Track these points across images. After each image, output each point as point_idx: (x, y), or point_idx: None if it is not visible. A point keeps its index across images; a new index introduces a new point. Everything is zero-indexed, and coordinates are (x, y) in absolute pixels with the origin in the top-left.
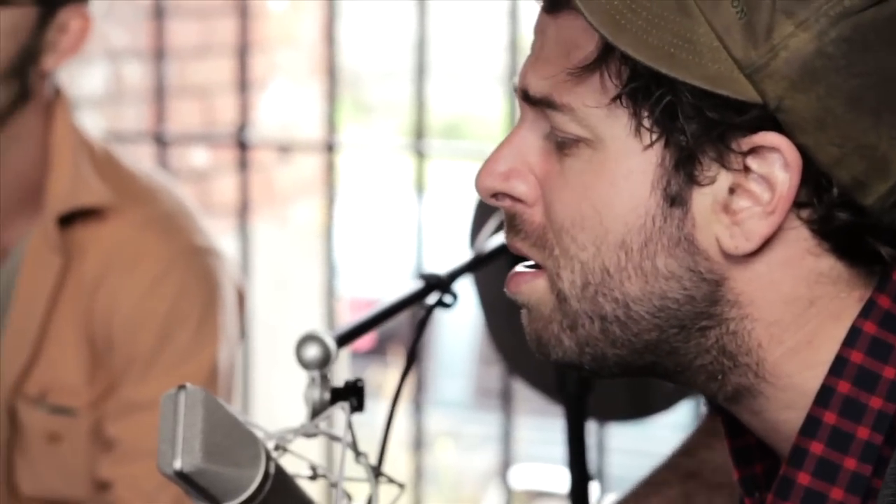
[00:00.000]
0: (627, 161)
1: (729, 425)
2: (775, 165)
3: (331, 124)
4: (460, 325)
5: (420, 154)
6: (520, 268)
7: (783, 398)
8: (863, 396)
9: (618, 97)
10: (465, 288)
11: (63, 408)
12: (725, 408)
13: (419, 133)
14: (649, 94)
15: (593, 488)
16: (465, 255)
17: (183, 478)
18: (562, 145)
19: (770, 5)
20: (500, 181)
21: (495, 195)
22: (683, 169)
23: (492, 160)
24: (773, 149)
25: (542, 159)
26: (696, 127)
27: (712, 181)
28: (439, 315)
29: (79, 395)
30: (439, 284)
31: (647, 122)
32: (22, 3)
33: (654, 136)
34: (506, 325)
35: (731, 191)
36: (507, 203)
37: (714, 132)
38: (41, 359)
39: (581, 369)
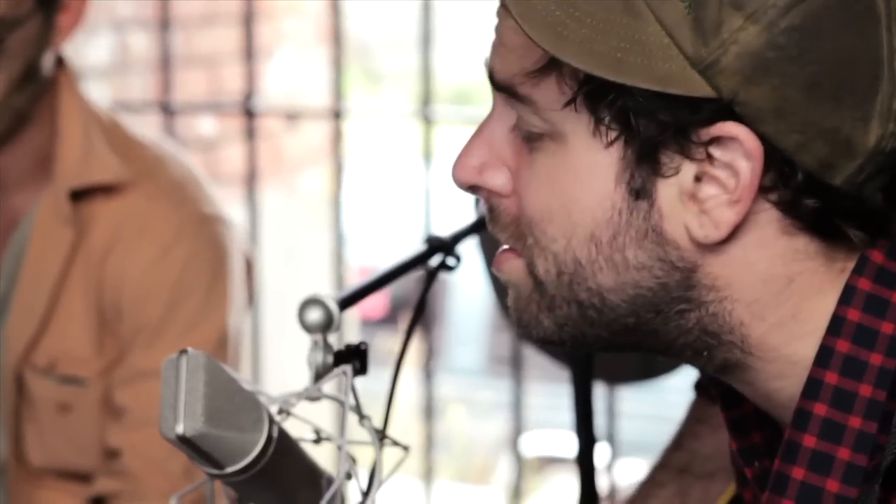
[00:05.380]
0: (590, 157)
1: (724, 397)
2: (737, 154)
3: (338, 92)
4: (472, 291)
5: (428, 120)
6: (504, 247)
7: (772, 369)
8: (863, 354)
9: (573, 100)
10: (474, 253)
11: (72, 378)
12: (716, 377)
13: (427, 100)
14: (604, 96)
15: (601, 451)
16: (470, 219)
17: (185, 442)
18: (529, 137)
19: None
20: (474, 175)
21: (472, 187)
22: (646, 163)
23: (465, 153)
24: (732, 139)
25: (514, 151)
26: (652, 126)
27: (676, 172)
28: (451, 282)
29: (88, 365)
30: (443, 247)
31: (606, 121)
32: (28, 16)
33: (614, 135)
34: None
35: (698, 179)
36: (483, 194)
37: (671, 129)
38: (50, 329)
39: (563, 346)
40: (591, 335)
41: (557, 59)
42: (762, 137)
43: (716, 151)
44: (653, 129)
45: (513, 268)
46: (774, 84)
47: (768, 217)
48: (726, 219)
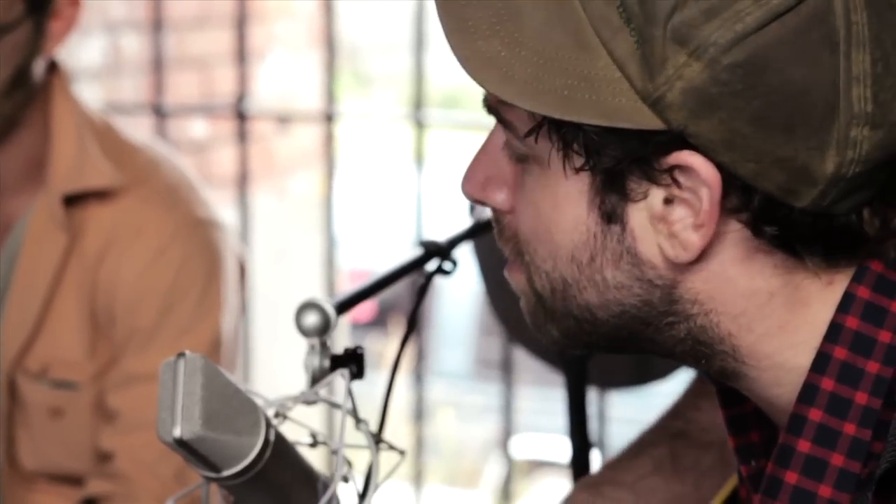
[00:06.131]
0: (564, 182)
1: (723, 395)
2: (697, 181)
3: (330, 95)
4: (461, 295)
5: (419, 124)
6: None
7: (768, 377)
8: (859, 362)
9: (535, 131)
10: (466, 258)
11: (65, 382)
12: (721, 381)
13: (418, 103)
14: (560, 129)
15: (594, 456)
16: (465, 223)
17: (182, 445)
18: (518, 158)
19: (662, 36)
20: (479, 190)
21: (478, 201)
22: (613, 189)
23: (471, 167)
24: (690, 167)
25: (512, 171)
26: (608, 158)
27: (645, 196)
28: (440, 285)
29: (80, 370)
30: (439, 251)
31: (572, 148)
32: (18, 22)
33: (580, 162)
34: (505, 292)
35: (668, 201)
36: (490, 208)
37: (625, 161)
38: (43, 334)
39: (573, 350)
40: (593, 343)
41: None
42: (719, 165)
43: (680, 177)
44: (608, 160)
45: (519, 280)
46: (721, 118)
47: (740, 236)
48: (693, 241)
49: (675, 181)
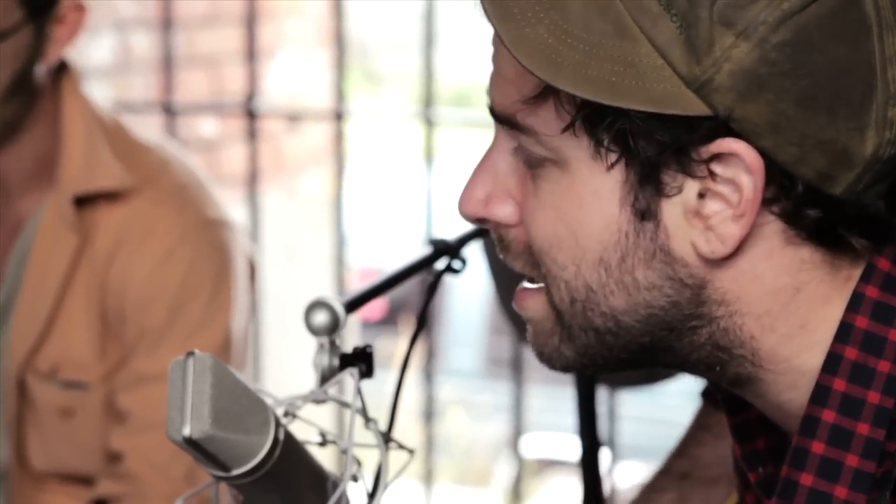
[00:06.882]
0: (593, 181)
1: (728, 403)
2: (738, 169)
3: (339, 93)
4: (471, 294)
5: (429, 122)
6: (524, 284)
7: (783, 381)
8: (871, 361)
9: (571, 124)
10: (476, 256)
11: (75, 382)
12: (729, 390)
13: (428, 101)
14: (601, 120)
15: (604, 455)
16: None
17: (192, 444)
18: (532, 163)
19: (708, 18)
20: (481, 208)
21: (479, 220)
22: (648, 184)
23: (470, 186)
24: (733, 154)
25: (518, 181)
26: (651, 147)
27: (679, 190)
28: (450, 284)
29: (91, 370)
30: (448, 250)
31: (606, 144)
32: (16, 28)
33: (615, 157)
34: (515, 290)
35: (701, 196)
36: (491, 226)
37: (670, 149)
38: (53, 334)
39: (585, 370)
40: (611, 358)
41: (552, 87)
42: (761, 151)
43: (717, 168)
44: (652, 149)
45: (536, 304)
46: (769, 99)
47: (773, 228)
48: (732, 233)
49: (712, 173)
